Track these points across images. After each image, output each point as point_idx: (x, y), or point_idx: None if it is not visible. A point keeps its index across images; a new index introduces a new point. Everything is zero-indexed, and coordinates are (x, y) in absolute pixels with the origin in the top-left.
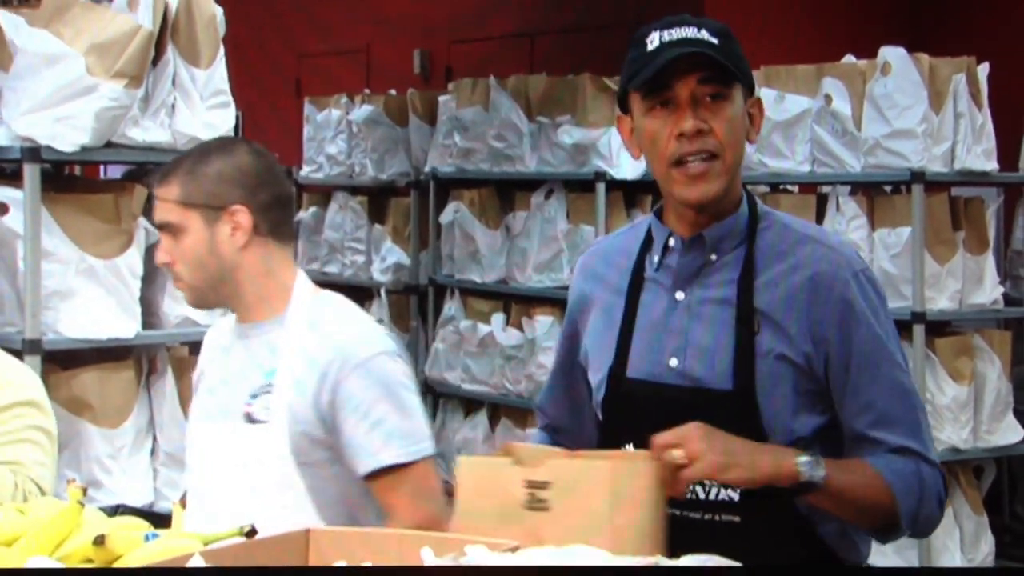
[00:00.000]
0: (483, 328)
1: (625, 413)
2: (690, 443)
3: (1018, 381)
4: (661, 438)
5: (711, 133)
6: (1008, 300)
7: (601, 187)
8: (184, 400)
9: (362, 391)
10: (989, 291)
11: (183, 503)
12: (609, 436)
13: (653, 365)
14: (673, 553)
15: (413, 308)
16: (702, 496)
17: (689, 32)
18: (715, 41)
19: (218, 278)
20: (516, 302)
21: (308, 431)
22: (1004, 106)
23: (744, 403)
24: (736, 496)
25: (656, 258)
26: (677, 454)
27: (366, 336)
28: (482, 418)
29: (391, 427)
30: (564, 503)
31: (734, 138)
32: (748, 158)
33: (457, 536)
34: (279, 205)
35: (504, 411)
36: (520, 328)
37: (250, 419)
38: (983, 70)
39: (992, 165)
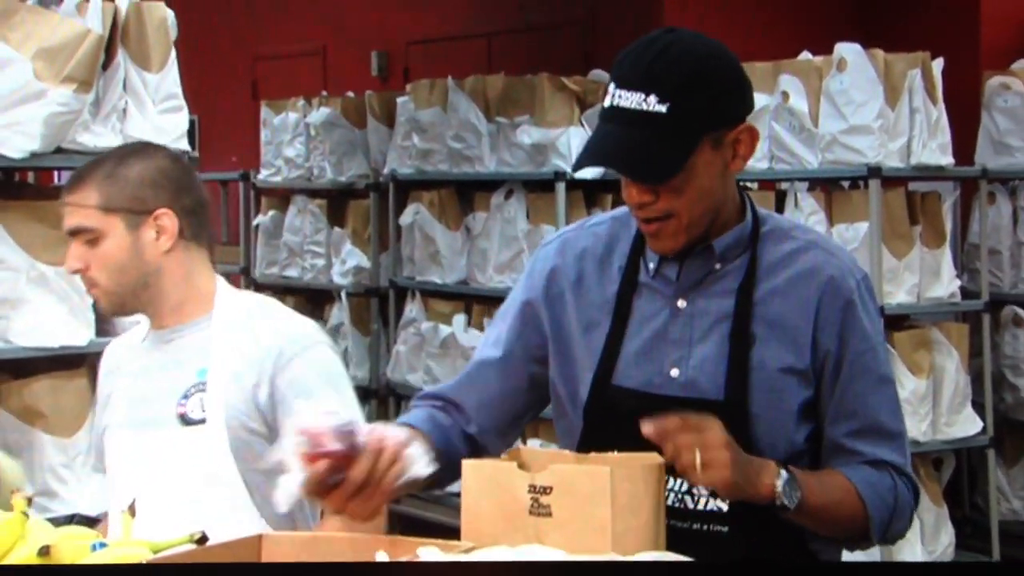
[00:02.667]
0: (444, 329)
1: (610, 421)
2: (711, 450)
3: (976, 373)
4: (680, 436)
5: (657, 203)
6: (965, 293)
7: (561, 187)
8: None
9: (305, 378)
10: (946, 285)
11: (132, 511)
12: (591, 444)
13: (651, 374)
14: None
15: (374, 311)
16: (691, 506)
17: (635, 99)
18: (663, 109)
19: (140, 284)
20: (477, 303)
21: (247, 424)
22: (959, 101)
23: (735, 414)
24: (725, 507)
25: (652, 265)
26: (697, 459)
27: (304, 328)
28: None
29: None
30: (566, 509)
31: (688, 202)
32: None
33: (409, 539)
34: (201, 209)
35: None
36: (482, 329)
37: (185, 420)
38: (938, 65)
39: (948, 160)
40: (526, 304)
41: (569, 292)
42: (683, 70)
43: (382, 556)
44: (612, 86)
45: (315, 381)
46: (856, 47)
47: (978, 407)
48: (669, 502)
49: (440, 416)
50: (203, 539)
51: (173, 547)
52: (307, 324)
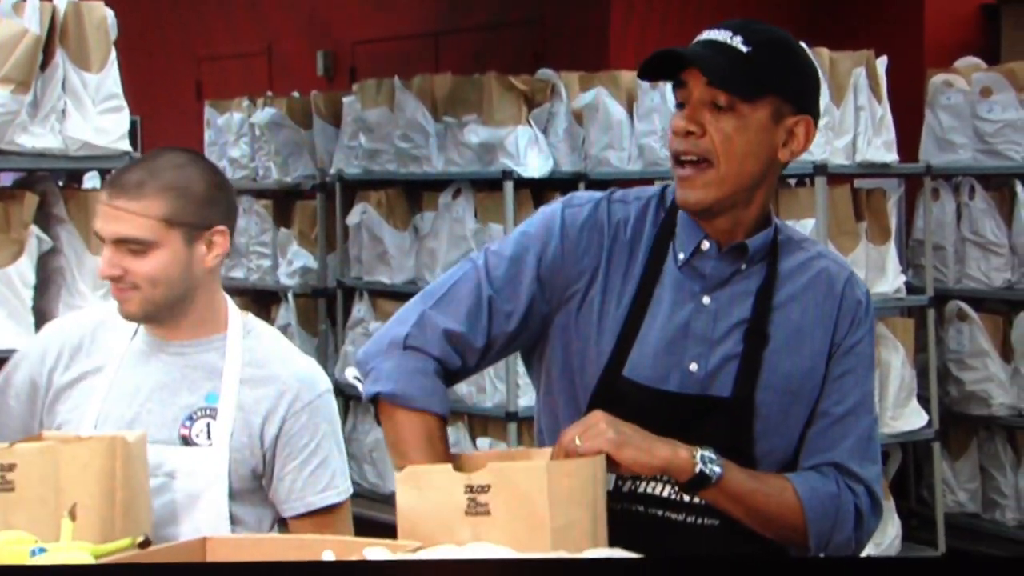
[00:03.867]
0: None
1: (616, 413)
2: (590, 426)
3: (921, 368)
4: (566, 432)
5: (702, 136)
6: (910, 288)
7: (509, 186)
8: None
9: (313, 427)
10: (892, 280)
11: (72, 515)
12: None
13: (669, 368)
14: (652, 553)
15: (321, 311)
16: (686, 498)
17: (722, 35)
18: (745, 50)
19: (179, 297)
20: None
21: (245, 459)
22: (902, 98)
23: (739, 410)
24: None
25: (683, 256)
26: (577, 439)
27: (315, 373)
28: None
29: (335, 466)
30: (504, 507)
31: (732, 149)
32: (654, 152)
33: (356, 539)
34: (235, 226)
35: None
36: None
37: (186, 442)
38: (882, 63)
39: (892, 157)
40: (542, 257)
41: (595, 268)
42: (771, 33)
43: (328, 556)
44: (702, 33)
45: (320, 431)
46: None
47: (923, 401)
48: (665, 494)
49: (438, 374)
50: (146, 543)
51: (114, 552)
52: (315, 367)
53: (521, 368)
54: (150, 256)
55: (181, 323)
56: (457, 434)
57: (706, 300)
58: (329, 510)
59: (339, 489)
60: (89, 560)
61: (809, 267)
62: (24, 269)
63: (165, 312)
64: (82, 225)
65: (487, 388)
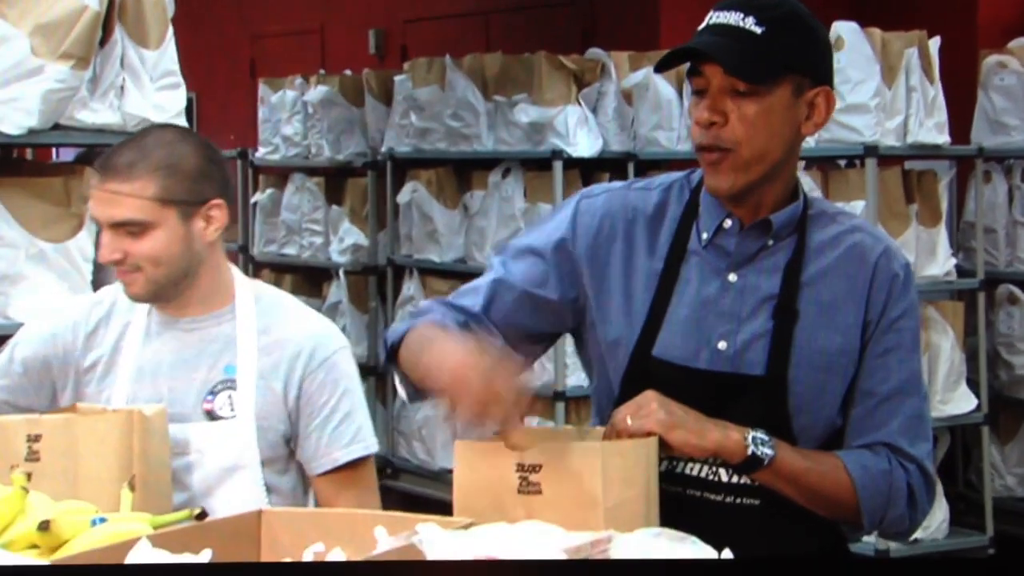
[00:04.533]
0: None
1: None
2: (642, 406)
3: (971, 351)
4: (618, 412)
5: (725, 125)
6: (960, 272)
7: (558, 165)
8: None
9: (331, 385)
10: (942, 263)
11: (132, 486)
12: None
13: (698, 345)
14: (708, 533)
15: (372, 289)
16: (724, 479)
17: (733, 18)
18: (758, 31)
19: (182, 273)
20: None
21: (273, 426)
22: (955, 79)
23: (774, 389)
24: (757, 480)
25: (706, 235)
26: (629, 419)
27: (328, 331)
28: None
29: (359, 421)
30: (556, 486)
31: (757, 134)
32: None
33: (407, 515)
34: (233, 198)
35: None
36: None
37: (212, 416)
38: (934, 44)
39: (944, 138)
40: (562, 247)
41: (617, 253)
42: (783, 9)
43: (380, 532)
44: (711, 13)
45: (340, 387)
46: (853, 26)
47: (973, 385)
48: (702, 474)
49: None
50: (203, 514)
51: (172, 523)
52: (328, 325)
53: (569, 348)
54: (148, 236)
55: (190, 299)
56: None
57: (732, 277)
58: (353, 466)
59: (365, 443)
60: (147, 530)
61: (842, 240)
62: (84, 243)
63: (171, 290)
64: None
65: (535, 367)
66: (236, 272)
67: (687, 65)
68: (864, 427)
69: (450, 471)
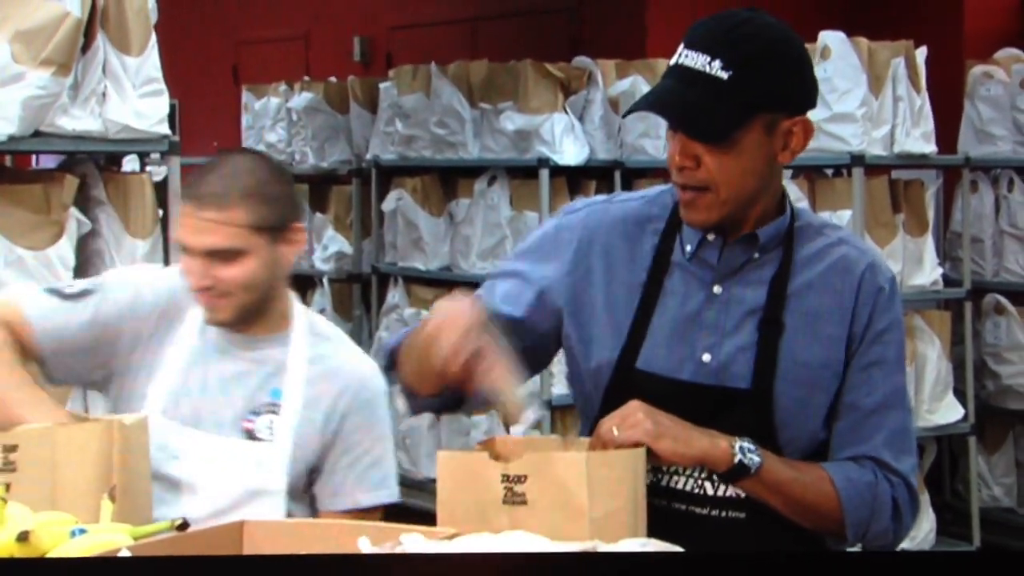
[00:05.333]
0: (427, 315)
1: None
2: (627, 416)
3: (958, 361)
4: (604, 422)
5: (698, 169)
6: (947, 281)
7: (544, 173)
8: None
9: (368, 427)
10: (929, 272)
11: (112, 496)
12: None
13: (682, 358)
14: (692, 545)
15: (356, 297)
16: (710, 492)
17: (700, 61)
18: (724, 76)
19: (266, 297)
20: (460, 289)
21: (305, 456)
22: (941, 89)
23: (759, 402)
24: (743, 493)
25: (690, 248)
26: (615, 429)
27: (375, 372)
28: None
29: (387, 468)
30: (541, 496)
31: (730, 177)
32: None
33: (391, 525)
34: None
35: None
36: None
37: (250, 436)
38: (921, 53)
39: (931, 148)
40: (545, 271)
41: (597, 267)
42: (753, 45)
43: (364, 542)
44: (681, 47)
45: (375, 431)
46: (840, 35)
47: (959, 394)
48: (688, 488)
49: None
50: (184, 525)
51: (153, 534)
52: (375, 368)
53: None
54: (240, 263)
55: (259, 321)
56: (491, 422)
57: (717, 289)
58: (369, 510)
59: (389, 491)
60: (127, 541)
61: (828, 253)
62: (64, 251)
63: (255, 313)
64: (121, 208)
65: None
66: (295, 298)
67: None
68: (849, 440)
69: (434, 480)
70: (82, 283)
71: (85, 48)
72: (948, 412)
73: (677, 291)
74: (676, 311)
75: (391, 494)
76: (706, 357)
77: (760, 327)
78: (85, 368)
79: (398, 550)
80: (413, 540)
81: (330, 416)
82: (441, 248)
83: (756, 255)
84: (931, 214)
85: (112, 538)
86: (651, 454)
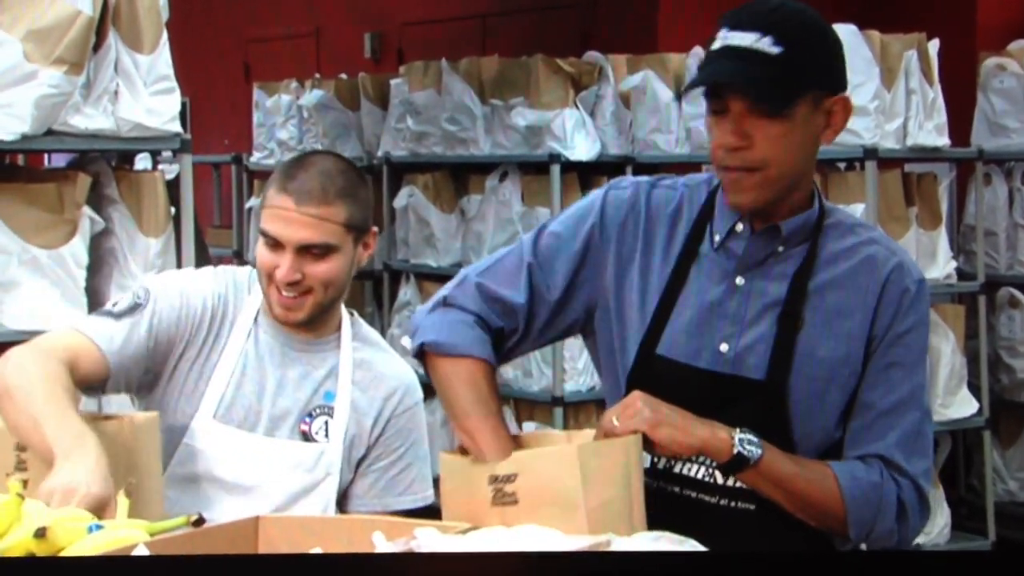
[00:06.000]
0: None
1: (653, 391)
2: (628, 406)
3: (972, 355)
4: (606, 413)
5: (751, 148)
6: (961, 275)
7: (556, 169)
8: None
9: (407, 433)
10: (942, 266)
11: (128, 492)
12: None
13: (700, 348)
14: (685, 535)
15: (368, 294)
16: (720, 481)
17: (749, 39)
18: (775, 52)
19: (340, 297)
20: None
21: (352, 457)
22: (954, 82)
23: (774, 396)
24: None
25: (718, 238)
26: (615, 419)
27: (414, 378)
28: (439, 403)
29: (417, 472)
30: (533, 493)
31: (783, 152)
32: (702, 135)
33: (406, 520)
34: None
35: None
36: None
37: (306, 438)
38: (934, 46)
39: (944, 141)
40: (591, 236)
41: (638, 250)
42: (799, 21)
43: (379, 537)
44: (723, 31)
45: (412, 437)
46: (852, 28)
47: (974, 388)
48: (699, 475)
49: (479, 325)
50: (200, 521)
51: (169, 530)
52: (412, 372)
53: (568, 352)
54: (330, 260)
55: (320, 322)
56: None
57: (739, 280)
58: (394, 515)
59: (416, 496)
60: (144, 537)
61: (856, 252)
62: (77, 250)
63: (325, 314)
64: (134, 206)
65: (533, 372)
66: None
67: (684, 66)
68: (861, 439)
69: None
70: (126, 299)
71: (97, 47)
72: (962, 406)
73: (701, 280)
74: (699, 300)
75: (420, 499)
76: (724, 347)
77: (779, 320)
78: (137, 378)
79: (412, 545)
80: (427, 535)
81: (377, 420)
82: (453, 245)
83: (780, 248)
84: (944, 207)
85: (129, 534)
86: (650, 443)
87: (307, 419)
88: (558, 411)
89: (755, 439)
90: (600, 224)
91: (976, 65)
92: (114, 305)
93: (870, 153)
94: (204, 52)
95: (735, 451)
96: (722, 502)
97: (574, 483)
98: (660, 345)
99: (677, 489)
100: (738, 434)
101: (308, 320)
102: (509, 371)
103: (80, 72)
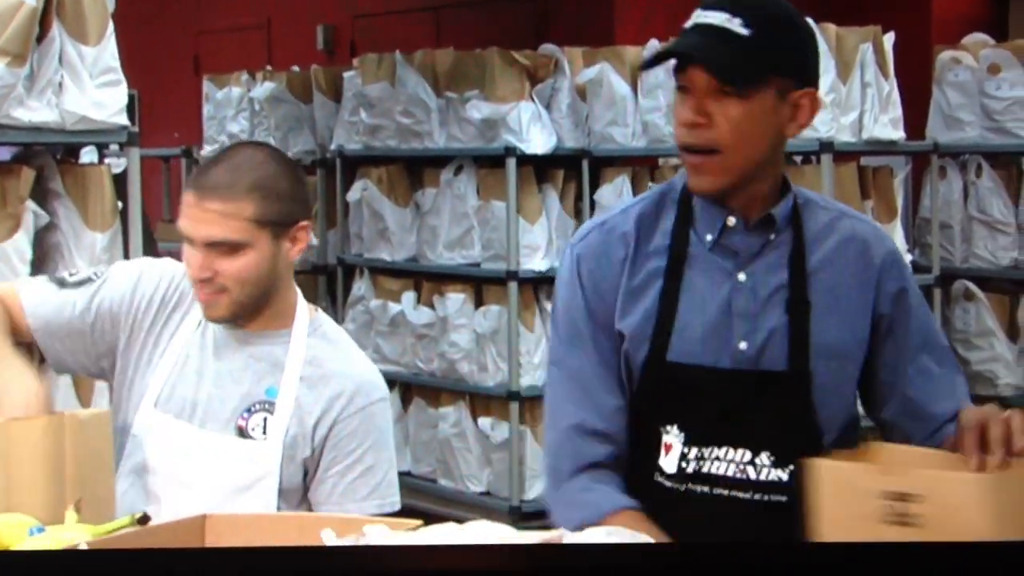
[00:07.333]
0: (394, 307)
1: (669, 397)
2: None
3: None
4: (990, 437)
5: (711, 127)
6: (917, 267)
7: (511, 162)
8: (77, 386)
9: (362, 435)
10: None
11: (78, 508)
12: (646, 420)
13: (718, 349)
14: (715, 532)
15: (322, 288)
16: (753, 476)
17: (719, 18)
18: (744, 32)
19: (265, 293)
20: (427, 280)
21: (296, 457)
22: (910, 75)
23: (798, 384)
24: (785, 476)
25: (710, 237)
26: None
27: (373, 378)
28: (394, 398)
29: (380, 477)
30: (939, 520)
31: (743, 136)
32: (659, 129)
33: (357, 517)
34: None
35: (416, 390)
36: (431, 306)
37: (242, 433)
38: (889, 39)
39: (899, 134)
40: (591, 314)
41: (621, 278)
42: (773, 10)
43: (328, 534)
44: (697, 10)
45: (370, 438)
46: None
47: None
48: (731, 473)
49: (612, 478)
50: (145, 519)
51: (115, 530)
52: (374, 372)
53: (524, 347)
54: (240, 256)
55: (259, 317)
56: (458, 413)
57: (741, 277)
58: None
59: (381, 501)
60: (86, 538)
61: (836, 228)
62: (21, 245)
63: (252, 310)
64: (79, 200)
65: (489, 367)
66: (300, 297)
67: (640, 60)
68: (940, 393)
69: (405, 474)
70: (87, 272)
71: (40, 38)
72: None
73: (701, 283)
74: (705, 303)
75: (385, 504)
76: (743, 345)
77: (788, 308)
78: (86, 356)
79: (362, 542)
80: (377, 532)
81: (322, 419)
82: (407, 239)
83: (772, 236)
84: (900, 200)
85: (71, 536)
86: None
87: (245, 414)
88: (514, 406)
89: None
90: (590, 283)
91: (931, 58)
92: (71, 275)
93: (826, 146)
94: (153, 44)
95: None
96: (756, 496)
97: (987, 518)
98: (671, 352)
99: (707, 489)
100: None
101: (231, 317)
102: (464, 366)
103: (23, 64)
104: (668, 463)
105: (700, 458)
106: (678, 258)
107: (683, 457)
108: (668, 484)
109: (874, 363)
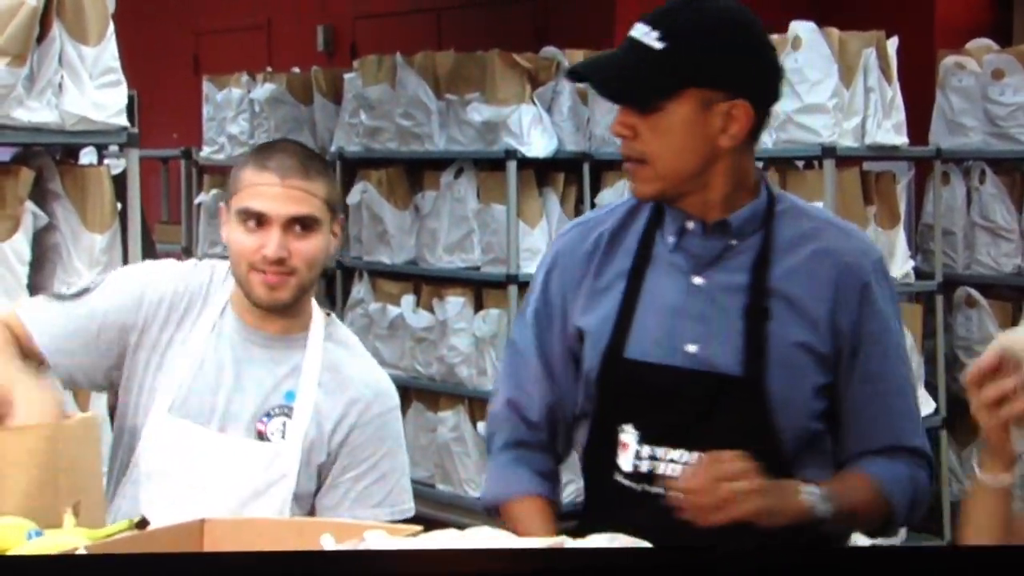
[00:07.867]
0: (393, 310)
1: (625, 394)
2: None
3: (929, 354)
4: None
5: (636, 139)
6: (919, 274)
7: (512, 165)
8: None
9: (377, 442)
10: (900, 265)
11: (76, 511)
12: (604, 417)
13: (668, 350)
14: (669, 535)
15: (320, 291)
16: None
17: (639, 32)
18: (658, 47)
19: (312, 284)
20: (426, 283)
21: (315, 463)
22: (913, 80)
23: (752, 390)
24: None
25: (672, 240)
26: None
27: (389, 386)
28: None
29: (393, 483)
30: None
31: (667, 148)
32: None
33: (356, 522)
34: None
35: (415, 394)
36: (431, 310)
37: (261, 437)
38: (892, 44)
39: (902, 139)
40: (551, 312)
41: (590, 270)
42: (696, 21)
43: (327, 539)
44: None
45: (384, 446)
46: (811, 25)
47: (931, 388)
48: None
49: (535, 460)
50: (143, 523)
51: (113, 534)
52: (389, 381)
53: (470, 351)
54: (311, 237)
55: (288, 317)
56: (457, 417)
57: (697, 280)
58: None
59: (394, 508)
60: (84, 542)
61: (812, 238)
62: (19, 245)
63: (303, 301)
64: (78, 201)
65: (488, 371)
66: (314, 302)
67: None
68: (876, 430)
69: (425, 484)
70: (83, 283)
71: (41, 38)
72: (920, 406)
73: (659, 283)
74: (660, 303)
75: (399, 511)
76: (691, 348)
77: (745, 314)
78: (95, 368)
79: (361, 547)
80: (377, 537)
81: (339, 425)
82: (407, 241)
83: (733, 242)
84: (903, 206)
85: (69, 539)
86: None
87: (264, 418)
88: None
89: (821, 494)
90: (564, 269)
91: (934, 63)
92: (68, 287)
93: (828, 151)
94: (153, 44)
95: (815, 514)
96: None
97: None
98: (627, 349)
99: (661, 490)
100: (809, 495)
101: (292, 302)
102: (464, 370)
103: (23, 64)
104: (624, 461)
105: (653, 458)
106: (643, 258)
107: (637, 456)
108: (626, 483)
109: (835, 381)
